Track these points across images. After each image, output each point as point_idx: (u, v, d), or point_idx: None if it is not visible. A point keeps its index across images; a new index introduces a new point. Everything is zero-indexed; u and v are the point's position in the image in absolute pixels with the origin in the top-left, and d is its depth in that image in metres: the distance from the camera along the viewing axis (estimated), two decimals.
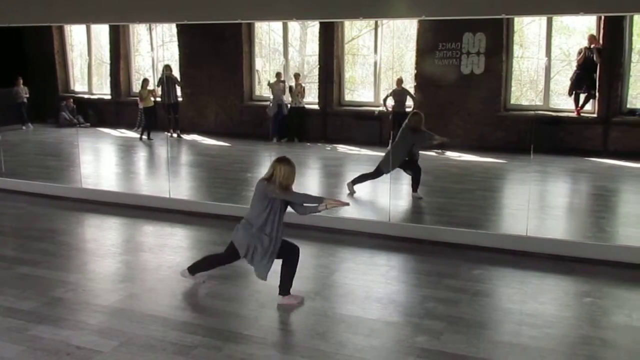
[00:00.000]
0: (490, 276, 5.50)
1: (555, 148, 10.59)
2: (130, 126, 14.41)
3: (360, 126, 12.61)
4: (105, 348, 4.09)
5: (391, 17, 9.43)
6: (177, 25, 13.98)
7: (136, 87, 14.91)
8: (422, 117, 7.93)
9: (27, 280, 5.30)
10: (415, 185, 7.99)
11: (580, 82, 11.27)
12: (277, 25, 13.49)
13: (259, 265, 4.74)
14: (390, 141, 7.99)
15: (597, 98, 11.21)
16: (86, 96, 15.90)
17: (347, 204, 5.03)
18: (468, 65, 11.82)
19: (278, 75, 13.05)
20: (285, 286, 4.83)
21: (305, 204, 4.81)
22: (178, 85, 13.87)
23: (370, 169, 8.15)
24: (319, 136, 13.00)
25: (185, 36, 14.21)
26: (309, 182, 10.22)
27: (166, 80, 13.35)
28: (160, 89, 13.41)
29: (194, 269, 5.14)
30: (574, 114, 11.42)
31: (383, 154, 8.07)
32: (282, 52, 13.92)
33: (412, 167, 8.00)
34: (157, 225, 7.14)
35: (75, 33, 16.30)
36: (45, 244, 6.32)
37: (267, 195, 4.64)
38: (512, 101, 12.10)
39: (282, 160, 4.69)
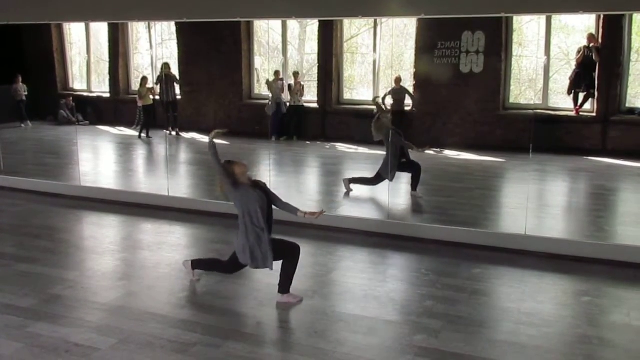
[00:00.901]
0: (489, 275, 5.51)
1: (554, 147, 10.57)
2: (129, 124, 14.39)
3: (359, 125, 12.60)
4: (103, 345, 4.09)
5: (390, 16, 9.43)
6: (177, 24, 13.96)
7: (135, 85, 14.90)
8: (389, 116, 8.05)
9: (26, 278, 5.30)
10: (415, 183, 7.98)
11: (580, 81, 11.26)
12: (276, 24, 13.46)
13: (264, 258, 4.75)
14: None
15: (596, 97, 11.21)
16: (85, 94, 15.89)
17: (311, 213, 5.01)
18: (467, 64, 11.81)
19: (277, 73, 13.04)
20: (285, 285, 4.84)
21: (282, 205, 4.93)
22: (177, 84, 13.86)
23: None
24: (318, 134, 13.00)
25: (185, 34, 14.20)
26: (309, 180, 10.23)
27: (165, 78, 13.35)
28: (159, 87, 13.41)
29: (196, 264, 5.21)
30: (573, 113, 11.42)
31: (382, 152, 8.06)
32: (281, 51, 13.91)
33: (411, 166, 7.99)
34: (156, 223, 7.14)
35: (74, 31, 16.27)
36: (44, 242, 6.32)
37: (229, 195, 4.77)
38: (511, 100, 12.09)
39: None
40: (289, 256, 4.83)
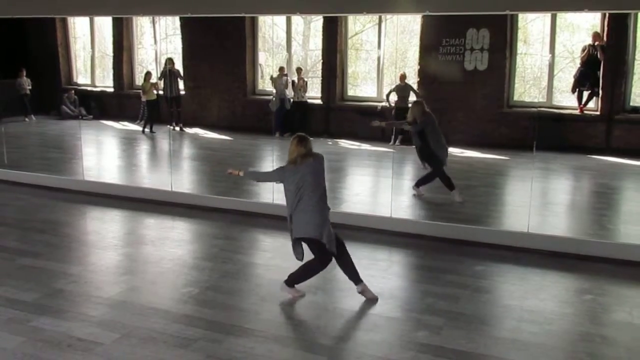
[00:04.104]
0: (491, 272, 5.51)
1: (557, 145, 10.56)
2: (132, 119, 14.42)
3: (362, 121, 12.59)
4: (106, 340, 4.10)
5: (395, 13, 9.41)
6: (181, 19, 13.94)
7: (139, 80, 14.91)
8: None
9: (29, 272, 5.32)
10: (421, 181, 7.87)
11: (584, 80, 11.24)
12: (280, 20, 13.46)
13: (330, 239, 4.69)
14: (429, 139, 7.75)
15: (600, 95, 11.18)
16: (89, 88, 15.91)
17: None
18: (471, 61, 11.79)
19: (281, 69, 13.03)
20: (297, 278, 4.78)
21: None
22: (180, 79, 13.86)
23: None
24: (322, 131, 12.98)
25: (189, 29, 14.18)
26: None
27: (169, 73, 13.34)
28: (162, 82, 13.41)
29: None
30: (577, 112, 11.40)
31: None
32: (285, 47, 13.89)
33: (430, 162, 7.83)
34: (159, 218, 7.15)
35: (78, 25, 16.29)
36: (47, 236, 6.34)
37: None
38: (515, 98, 12.07)
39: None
40: (319, 255, 4.73)
